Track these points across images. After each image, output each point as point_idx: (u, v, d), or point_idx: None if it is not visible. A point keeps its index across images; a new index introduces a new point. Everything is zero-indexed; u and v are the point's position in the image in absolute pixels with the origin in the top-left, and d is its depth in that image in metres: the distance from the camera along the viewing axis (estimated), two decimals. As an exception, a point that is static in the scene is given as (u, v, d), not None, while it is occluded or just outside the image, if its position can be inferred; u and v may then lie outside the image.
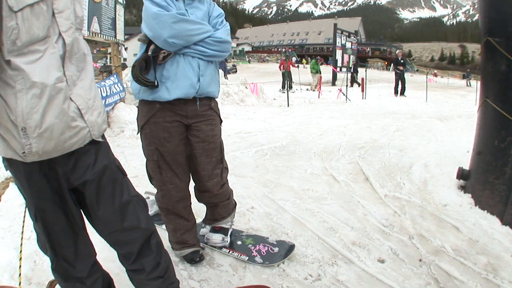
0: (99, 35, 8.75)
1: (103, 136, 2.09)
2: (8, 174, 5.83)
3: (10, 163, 1.90)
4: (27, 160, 1.79)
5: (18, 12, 1.60)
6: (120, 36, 10.48)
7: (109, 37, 9.64)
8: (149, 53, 2.86)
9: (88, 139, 1.95)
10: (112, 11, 9.85)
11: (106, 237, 2.16)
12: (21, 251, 2.57)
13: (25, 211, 2.23)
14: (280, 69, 22.80)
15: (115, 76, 9.79)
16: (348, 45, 31.27)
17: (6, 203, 4.49)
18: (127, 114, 9.49)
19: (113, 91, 9.04)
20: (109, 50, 10.99)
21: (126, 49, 12.06)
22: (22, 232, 2.65)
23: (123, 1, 10.66)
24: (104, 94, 8.47)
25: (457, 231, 3.95)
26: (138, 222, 2.16)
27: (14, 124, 1.70)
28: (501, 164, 4.28)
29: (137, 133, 3.13)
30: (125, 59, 15.11)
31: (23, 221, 2.55)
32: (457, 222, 4.13)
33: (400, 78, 20.61)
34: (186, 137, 3.10)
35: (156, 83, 2.85)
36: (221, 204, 3.40)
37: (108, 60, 12.67)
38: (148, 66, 2.86)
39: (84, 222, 2.15)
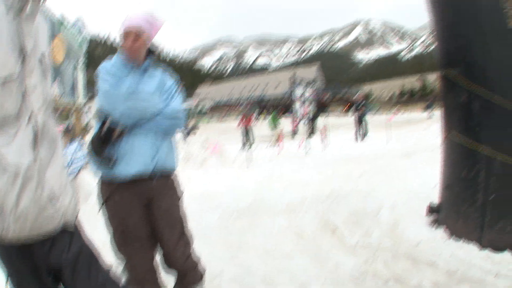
0: (60, 99, 8.67)
1: (76, 220, 2.13)
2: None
3: None
4: (5, 242, 1.82)
5: None
6: (81, 99, 10.44)
7: (70, 101, 9.59)
8: (106, 131, 2.85)
9: (61, 224, 1.99)
10: (72, 74, 9.85)
11: None
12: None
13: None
14: (240, 126, 22.88)
15: (77, 142, 9.65)
16: (307, 94, 31.72)
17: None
18: (92, 180, 9.30)
19: (75, 158, 8.80)
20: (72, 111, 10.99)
21: (89, 108, 12.02)
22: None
23: (82, 64, 10.69)
24: (67, 162, 8.24)
25: (434, 266, 3.94)
26: None
27: None
28: (471, 194, 4.38)
29: (98, 211, 3.08)
30: (87, 123, 15.05)
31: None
32: (432, 257, 4.12)
33: (361, 121, 20.87)
34: (146, 213, 3.06)
35: (113, 161, 2.84)
36: (189, 274, 3.32)
37: (70, 123, 12.63)
38: (106, 142, 2.85)
39: None
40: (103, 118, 2.90)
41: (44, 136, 1.87)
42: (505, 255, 3.99)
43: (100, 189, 3.04)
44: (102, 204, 2.99)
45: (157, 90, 3.07)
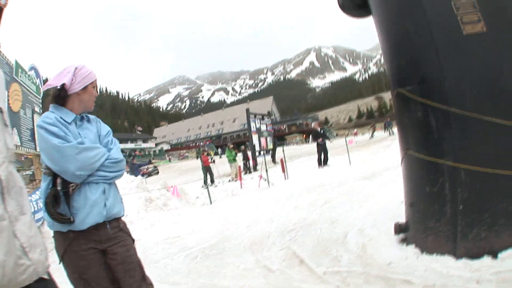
0: (20, 147, 8.47)
1: (48, 273, 2.08)
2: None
3: None
4: None
5: None
6: (41, 147, 10.26)
7: (29, 149, 9.42)
8: (58, 188, 2.82)
9: (35, 276, 1.93)
10: (30, 121, 9.71)
11: None
12: None
13: None
14: (203, 165, 22.81)
15: (39, 191, 9.46)
16: (264, 127, 31.86)
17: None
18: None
19: (40, 207, 8.60)
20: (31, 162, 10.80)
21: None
22: None
23: (40, 110, 10.53)
24: (32, 210, 8.03)
25: (409, 284, 3.94)
26: None
27: None
28: (439, 207, 4.40)
29: (59, 263, 3.01)
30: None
31: None
32: (407, 275, 4.11)
33: (322, 149, 20.86)
34: (105, 262, 3.02)
35: (72, 219, 2.81)
36: None
37: (34, 170, 12.41)
38: (58, 201, 2.82)
39: None
40: (51, 175, 2.87)
41: (10, 188, 1.85)
42: (484, 261, 4.00)
43: (56, 241, 2.99)
44: (62, 255, 2.93)
45: (96, 138, 3.12)
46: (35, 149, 9.84)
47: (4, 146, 1.87)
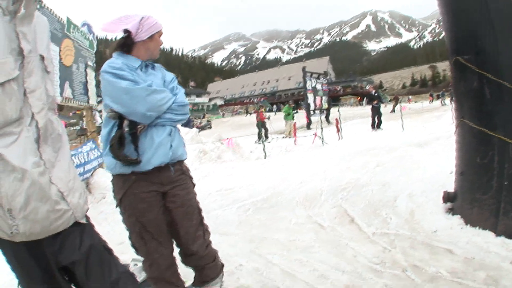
0: (72, 101, 8.68)
1: (86, 217, 2.12)
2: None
3: (0, 242, 1.89)
4: (15, 240, 1.81)
5: None
6: (93, 100, 10.44)
7: (82, 102, 9.60)
8: (125, 129, 2.88)
9: (72, 221, 1.97)
10: (83, 75, 9.86)
11: None
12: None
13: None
14: (259, 120, 22.83)
15: (91, 142, 9.69)
16: (319, 86, 31.53)
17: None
18: (107, 179, 9.32)
19: (90, 157, 8.89)
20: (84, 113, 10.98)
21: (100, 111, 12.10)
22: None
23: (93, 65, 10.69)
24: (82, 161, 8.33)
25: (451, 254, 3.93)
26: None
27: (1, 205, 1.72)
28: (486, 180, 4.34)
29: (116, 207, 3.11)
30: (100, 123, 15.08)
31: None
32: (449, 245, 4.11)
33: (376, 112, 20.77)
34: (163, 205, 3.11)
35: (139, 160, 2.88)
36: (207, 266, 3.38)
37: (84, 123, 12.62)
38: (123, 143, 2.88)
39: None
40: (117, 118, 2.93)
41: (48, 135, 1.88)
42: (521, 241, 3.96)
43: (115, 185, 3.08)
44: (121, 198, 3.02)
45: (161, 83, 3.16)
46: (88, 102, 10.00)
47: (44, 93, 1.90)
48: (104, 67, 2.93)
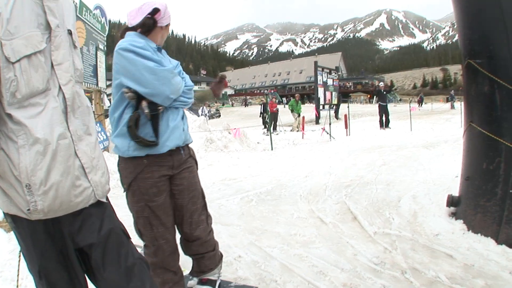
0: (82, 82, 8.73)
1: (107, 197, 2.09)
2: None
3: (14, 220, 1.86)
4: (32, 218, 1.77)
5: (16, 63, 1.63)
6: (102, 83, 10.49)
7: (91, 84, 9.64)
8: (146, 111, 2.82)
9: (92, 200, 1.94)
10: (93, 58, 9.90)
11: None
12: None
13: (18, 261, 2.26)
14: (271, 111, 22.79)
15: (98, 124, 9.71)
16: (330, 82, 31.52)
17: (-5, 249, 4.42)
18: (112, 163, 9.33)
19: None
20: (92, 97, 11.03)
21: (109, 95, 12.11)
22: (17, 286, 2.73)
23: (104, 48, 10.72)
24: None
25: (451, 259, 3.93)
26: (143, 284, 2.11)
27: (18, 180, 1.69)
28: (491, 186, 4.31)
29: (124, 192, 3.07)
30: (108, 107, 15.10)
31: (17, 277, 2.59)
32: (450, 250, 4.11)
33: (383, 110, 20.80)
34: (170, 189, 3.11)
35: (157, 142, 2.87)
36: (207, 255, 3.37)
37: (92, 107, 12.62)
38: (138, 124, 2.84)
39: (86, 282, 2.13)
40: (135, 98, 2.85)
41: (75, 108, 1.88)
42: (521, 252, 3.94)
43: (125, 169, 3.02)
44: (130, 182, 2.97)
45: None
46: (97, 84, 10.06)
47: (72, 66, 1.90)
48: (124, 44, 2.85)
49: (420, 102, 47.51)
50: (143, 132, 2.84)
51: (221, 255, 3.58)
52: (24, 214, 1.76)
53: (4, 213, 1.87)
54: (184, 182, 3.13)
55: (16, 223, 1.86)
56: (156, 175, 2.95)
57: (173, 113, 3.00)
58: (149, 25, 3.00)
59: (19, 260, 2.04)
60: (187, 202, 3.15)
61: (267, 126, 21.27)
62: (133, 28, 3.02)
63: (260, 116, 29.08)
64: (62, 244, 1.91)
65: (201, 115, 28.58)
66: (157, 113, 2.87)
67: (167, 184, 3.06)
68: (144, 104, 2.82)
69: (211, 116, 41.57)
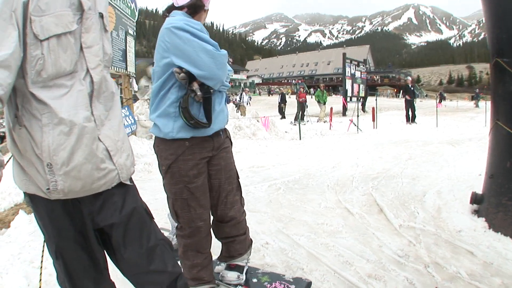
0: (110, 67, 8.85)
1: (131, 179, 2.07)
2: (17, 200, 5.90)
3: (32, 199, 1.84)
4: (51, 197, 1.76)
5: (44, 41, 1.62)
6: (131, 68, 10.55)
7: (120, 69, 9.72)
8: (199, 93, 2.80)
9: (116, 182, 1.93)
10: (123, 42, 9.96)
11: (131, 278, 2.09)
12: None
13: (43, 247, 2.22)
14: (299, 101, 22.73)
15: (126, 108, 9.81)
16: (358, 74, 31.26)
17: (15, 230, 4.56)
18: (139, 147, 9.47)
19: (124, 124, 8.97)
20: (120, 81, 11.07)
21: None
22: (41, 267, 2.71)
23: (133, 33, 10.79)
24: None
25: (472, 256, 3.95)
26: (165, 266, 2.08)
27: (39, 159, 1.68)
28: None
29: (164, 173, 3.05)
30: (136, 91, 15.17)
31: (42, 258, 2.60)
32: (471, 247, 4.13)
33: (410, 105, 20.70)
34: (207, 171, 3.14)
35: (209, 124, 2.90)
36: (238, 239, 3.39)
37: (119, 91, 12.70)
38: (189, 104, 2.82)
39: (106, 262, 2.11)
40: (186, 78, 2.80)
41: (101, 93, 1.85)
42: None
43: (164, 150, 3.00)
44: (170, 164, 2.96)
45: None
46: (126, 69, 10.14)
47: (101, 50, 1.88)
48: (180, 23, 2.76)
49: (441, 99, 46.60)
50: (197, 114, 2.85)
51: (251, 241, 3.58)
52: (43, 193, 1.76)
53: (24, 192, 1.86)
54: (222, 162, 3.14)
55: (34, 202, 1.85)
56: (198, 157, 2.96)
57: (219, 96, 3.03)
58: (198, 6, 3.00)
59: (44, 241, 2.00)
60: (224, 182, 3.18)
61: (284, 115, 21.17)
62: (179, 8, 2.98)
63: (279, 106, 29.19)
64: (81, 224, 1.90)
65: (242, 101, 28.67)
66: (210, 96, 2.86)
67: (206, 166, 3.06)
68: (195, 86, 2.79)
69: (238, 105, 41.48)
